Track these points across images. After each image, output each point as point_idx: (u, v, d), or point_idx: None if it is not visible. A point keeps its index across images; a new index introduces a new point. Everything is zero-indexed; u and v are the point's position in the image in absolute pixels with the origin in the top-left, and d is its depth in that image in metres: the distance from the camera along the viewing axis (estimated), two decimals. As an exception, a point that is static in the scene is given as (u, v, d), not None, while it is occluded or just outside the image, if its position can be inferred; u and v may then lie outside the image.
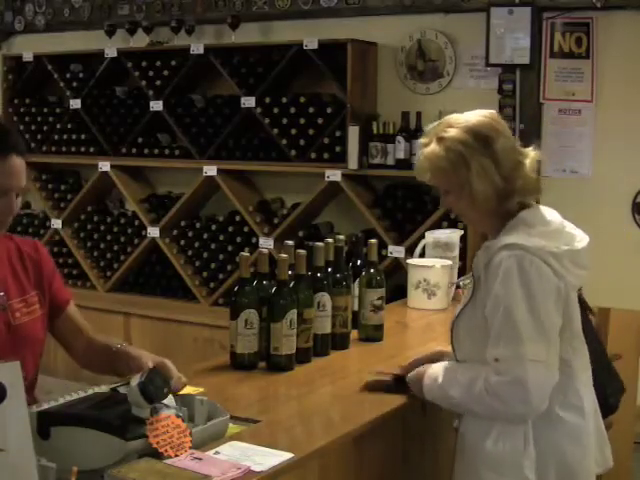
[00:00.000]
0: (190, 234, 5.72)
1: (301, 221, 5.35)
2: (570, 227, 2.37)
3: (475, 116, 2.33)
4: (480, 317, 2.25)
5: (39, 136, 6.26)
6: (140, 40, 5.80)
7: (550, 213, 2.36)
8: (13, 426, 1.64)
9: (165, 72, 5.67)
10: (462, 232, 3.97)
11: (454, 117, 2.35)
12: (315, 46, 5.05)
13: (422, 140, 2.37)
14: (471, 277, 2.32)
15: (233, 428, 2.15)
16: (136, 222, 5.95)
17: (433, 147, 2.31)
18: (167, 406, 2.01)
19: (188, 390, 2.29)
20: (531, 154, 2.34)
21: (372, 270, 3.04)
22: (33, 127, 6.29)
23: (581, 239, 2.34)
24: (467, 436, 2.33)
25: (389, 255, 4.95)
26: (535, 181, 2.31)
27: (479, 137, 2.28)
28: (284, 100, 5.21)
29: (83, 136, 6.06)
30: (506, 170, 2.27)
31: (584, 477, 2.29)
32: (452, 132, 2.30)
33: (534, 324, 2.16)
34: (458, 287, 3.54)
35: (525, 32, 4.68)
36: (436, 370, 2.35)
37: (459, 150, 2.27)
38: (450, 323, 2.39)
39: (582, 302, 2.46)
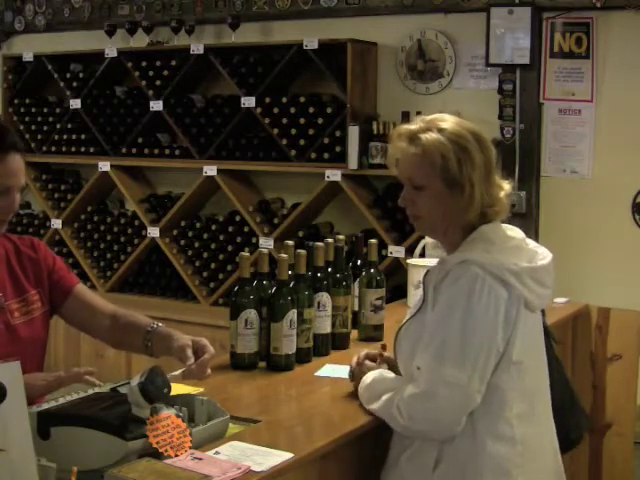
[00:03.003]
0: (190, 234, 5.72)
1: (301, 221, 5.35)
2: (533, 244, 2.27)
3: (464, 121, 2.19)
4: (423, 333, 2.15)
5: (39, 136, 6.25)
6: (140, 40, 5.79)
7: (512, 230, 2.25)
8: (13, 426, 1.63)
9: (165, 72, 5.67)
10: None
11: (443, 115, 2.20)
12: (315, 46, 5.05)
13: (413, 126, 2.17)
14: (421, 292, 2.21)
15: (233, 428, 2.15)
16: (136, 222, 5.95)
17: (435, 135, 2.13)
18: (167, 406, 2.02)
19: (188, 390, 2.29)
20: (506, 185, 2.21)
21: (372, 270, 3.05)
22: (33, 127, 6.28)
23: (544, 257, 2.22)
24: (392, 447, 2.25)
25: (389, 255, 4.94)
26: (507, 205, 2.20)
27: (476, 137, 2.15)
28: (284, 100, 5.21)
29: (83, 136, 6.05)
30: (491, 182, 2.16)
31: None
32: (452, 125, 2.15)
33: (463, 349, 2.05)
34: None
35: (525, 32, 4.68)
36: (370, 383, 2.29)
37: (464, 144, 2.12)
38: (394, 334, 2.29)
39: (545, 328, 2.34)
